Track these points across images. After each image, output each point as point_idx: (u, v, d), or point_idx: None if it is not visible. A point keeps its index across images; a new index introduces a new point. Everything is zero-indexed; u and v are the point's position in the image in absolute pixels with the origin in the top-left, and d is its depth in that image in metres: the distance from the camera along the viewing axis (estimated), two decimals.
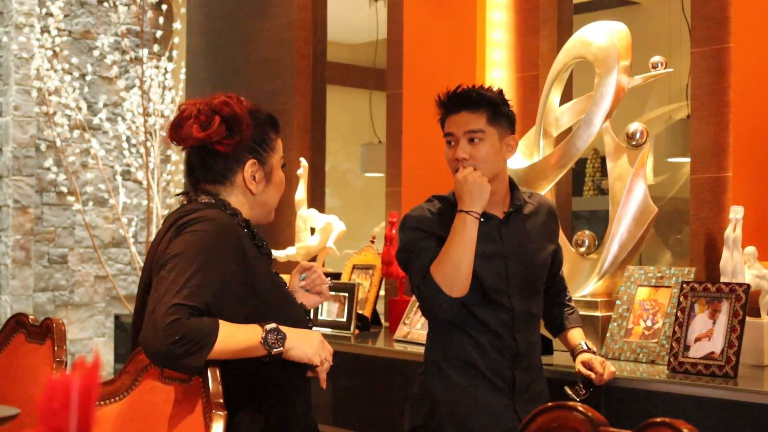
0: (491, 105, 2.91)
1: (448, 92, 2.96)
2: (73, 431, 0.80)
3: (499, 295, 2.93)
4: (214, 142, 2.49)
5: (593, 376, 3.03)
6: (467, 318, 2.92)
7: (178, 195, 2.72)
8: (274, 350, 2.35)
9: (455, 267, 2.80)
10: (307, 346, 2.42)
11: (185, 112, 2.52)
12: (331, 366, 2.51)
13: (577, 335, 3.19)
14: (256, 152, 2.55)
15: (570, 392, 3.09)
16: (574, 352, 3.15)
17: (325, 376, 2.49)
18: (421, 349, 3.14)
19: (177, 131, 2.52)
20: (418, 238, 2.93)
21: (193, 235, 2.36)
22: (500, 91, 2.99)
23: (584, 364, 3.06)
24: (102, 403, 2.48)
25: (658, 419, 1.45)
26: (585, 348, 3.13)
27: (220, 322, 2.28)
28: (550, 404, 1.61)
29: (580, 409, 1.55)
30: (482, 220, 2.87)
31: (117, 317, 5.96)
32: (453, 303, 2.82)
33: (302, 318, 2.58)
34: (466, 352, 2.94)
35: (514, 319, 2.94)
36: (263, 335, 2.33)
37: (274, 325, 2.36)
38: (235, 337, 2.30)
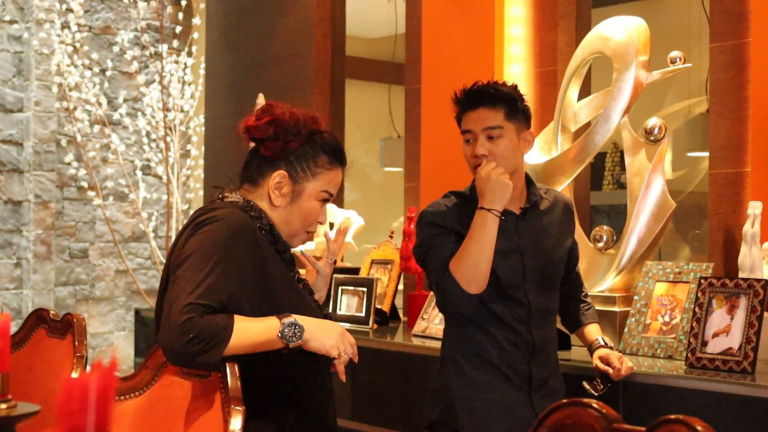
0: (508, 101, 2.92)
1: (465, 89, 2.97)
2: (91, 429, 0.81)
3: (515, 291, 2.93)
4: (259, 140, 2.52)
5: (611, 371, 3.03)
6: (484, 313, 2.93)
7: (214, 187, 2.73)
8: (292, 344, 2.35)
9: (474, 264, 2.81)
10: (325, 337, 2.42)
11: (262, 107, 2.60)
12: (353, 358, 2.50)
13: (594, 331, 3.19)
14: (292, 166, 2.54)
15: (588, 387, 3.09)
16: (591, 348, 3.15)
17: (343, 368, 2.47)
18: (440, 344, 3.15)
19: (244, 120, 2.58)
20: (435, 234, 2.94)
21: (207, 234, 2.38)
22: (516, 87, 2.99)
23: (602, 359, 3.06)
24: (122, 398, 2.50)
25: (673, 416, 1.45)
26: (602, 343, 3.13)
27: (236, 317, 2.28)
28: (564, 401, 1.62)
29: (595, 405, 1.56)
30: (503, 218, 2.88)
31: (137, 311, 5.99)
32: (471, 299, 2.83)
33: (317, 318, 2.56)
34: (483, 348, 2.95)
35: (531, 314, 2.95)
36: (280, 329, 2.33)
37: (292, 318, 2.36)
38: (252, 331, 2.30)
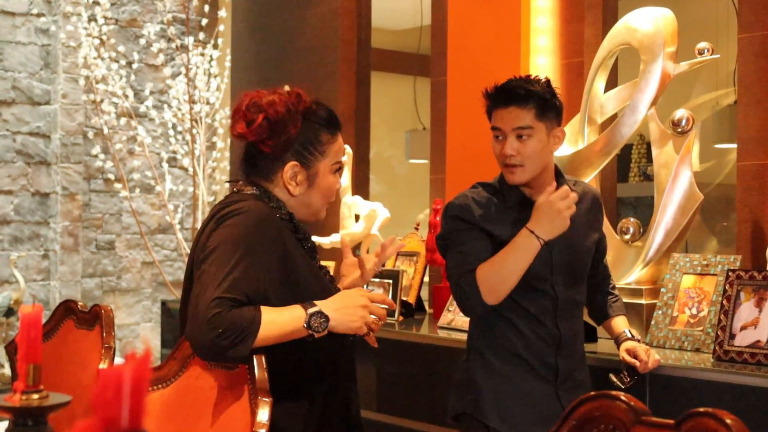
0: (540, 100, 2.88)
1: (496, 86, 2.94)
2: (125, 421, 0.82)
3: (542, 283, 2.92)
4: (257, 141, 2.50)
5: (638, 364, 3.02)
6: (510, 306, 2.92)
7: (227, 183, 2.72)
8: (317, 334, 2.36)
9: (502, 278, 2.80)
10: (350, 320, 2.41)
11: (239, 105, 2.53)
12: (390, 306, 2.54)
13: (621, 323, 3.18)
14: (300, 155, 2.53)
15: (615, 380, 3.09)
16: (618, 340, 3.14)
17: (374, 338, 2.51)
18: (465, 336, 3.14)
19: (232, 123, 2.55)
20: (459, 229, 2.93)
21: (231, 228, 2.38)
22: (548, 83, 2.95)
23: (628, 352, 3.05)
24: (149, 389, 2.51)
25: (701, 409, 1.44)
26: (629, 336, 3.12)
27: (263, 308, 2.29)
28: (593, 393, 1.61)
29: (623, 398, 1.55)
30: (526, 211, 2.88)
31: (164, 303, 6.02)
32: (486, 308, 2.83)
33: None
34: (509, 340, 2.94)
35: (558, 307, 2.94)
36: (306, 319, 2.34)
37: (317, 307, 2.36)
38: (278, 322, 2.31)
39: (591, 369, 3.15)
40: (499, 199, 2.93)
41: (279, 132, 2.48)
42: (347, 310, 2.43)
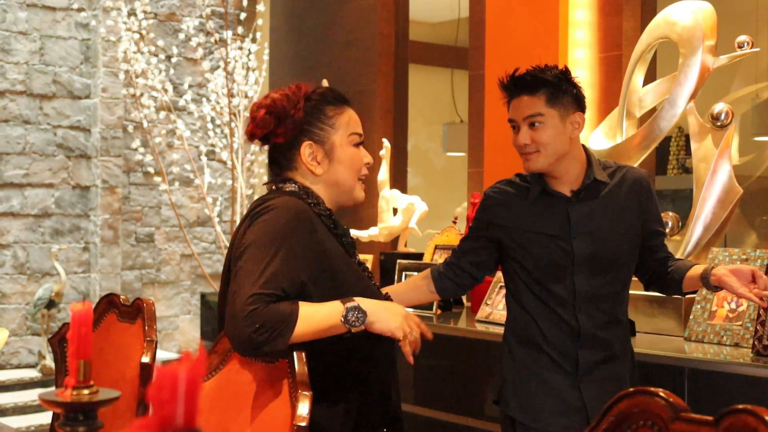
0: (549, 86, 2.86)
1: (507, 76, 2.94)
2: (180, 419, 0.84)
3: (560, 275, 2.89)
4: (268, 135, 2.53)
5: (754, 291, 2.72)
6: (529, 297, 2.92)
7: (264, 184, 2.74)
8: (354, 329, 2.36)
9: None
10: (390, 319, 2.41)
11: (251, 112, 2.60)
12: (426, 335, 2.47)
13: (699, 267, 2.92)
14: (310, 132, 2.55)
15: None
16: (705, 273, 2.85)
17: (409, 350, 2.43)
18: (502, 330, 3.15)
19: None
20: (473, 226, 3.05)
21: (265, 224, 2.40)
22: (561, 70, 2.92)
23: (734, 272, 2.76)
24: None
25: (740, 406, 1.44)
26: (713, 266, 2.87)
27: (300, 303, 2.30)
28: (631, 389, 1.61)
29: (662, 394, 1.55)
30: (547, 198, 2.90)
31: (203, 295, 6.06)
32: None
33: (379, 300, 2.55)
34: (530, 331, 2.94)
35: (576, 298, 2.89)
36: (343, 313, 2.35)
37: (355, 303, 2.36)
38: (316, 317, 2.32)
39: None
40: (525, 190, 2.94)
41: (283, 118, 2.52)
42: (387, 308, 2.43)
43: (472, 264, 3.07)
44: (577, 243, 2.88)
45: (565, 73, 2.91)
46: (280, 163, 2.59)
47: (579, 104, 2.91)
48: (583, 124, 2.93)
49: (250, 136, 2.57)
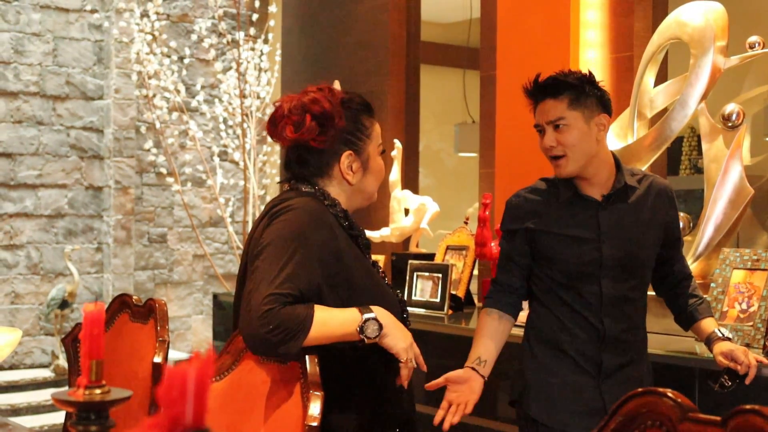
0: (572, 89, 2.88)
1: (530, 82, 2.96)
2: (190, 418, 0.86)
3: (587, 279, 2.91)
4: (308, 140, 2.53)
5: (738, 367, 2.86)
6: (555, 300, 2.93)
7: (280, 182, 2.74)
8: (368, 340, 2.37)
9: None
10: (400, 338, 2.42)
11: (278, 111, 2.56)
12: (421, 367, 2.51)
13: (710, 323, 3.03)
14: (352, 143, 2.56)
15: (714, 386, 2.91)
16: (709, 341, 2.99)
17: (406, 373, 2.46)
18: (513, 330, 3.15)
19: (273, 130, 2.57)
20: (505, 239, 3.06)
21: (284, 224, 2.40)
22: (585, 74, 2.95)
23: (724, 355, 2.90)
24: None
25: (748, 406, 1.45)
26: (720, 335, 2.96)
27: (316, 307, 2.31)
28: (639, 390, 1.62)
29: (670, 395, 1.56)
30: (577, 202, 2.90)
31: (215, 295, 6.08)
32: None
33: (396, 309, 2.56)
34: (553, 333, 2.95)
35: (602, 302, 2.91)
36: (361, 323, 2.35)
37: (373, 314, 2.37)
38: (331, 324, 2.32)
39: (655, 368, 3.10)
40: (553, 194, 2.94)
41: (328, 126, 2.52)
42: (400, 329, 2.44)
43: (522, 277, 3.07)
44: (606, 247, 2.90)
45: (589, 77, 2.93)
46: (312, 165, 2.58)
47: (604, 106, 2.93)
48: (608, 126, 2.95)
49: (290, 140, 2.55)
